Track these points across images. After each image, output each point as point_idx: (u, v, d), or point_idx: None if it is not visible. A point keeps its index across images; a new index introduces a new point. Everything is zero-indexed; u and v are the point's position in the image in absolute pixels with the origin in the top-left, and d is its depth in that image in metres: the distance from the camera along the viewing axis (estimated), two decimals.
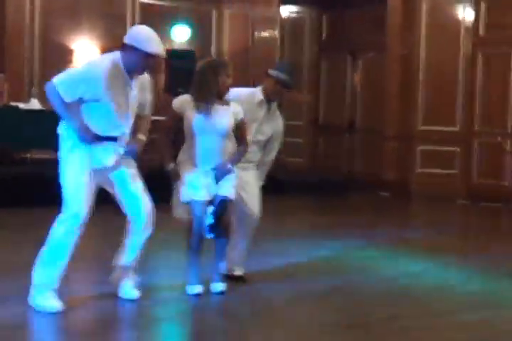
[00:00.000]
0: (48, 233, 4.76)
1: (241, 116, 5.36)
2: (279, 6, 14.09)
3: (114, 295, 5.13)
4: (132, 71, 4.74)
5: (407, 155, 12.70)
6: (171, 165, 5.30)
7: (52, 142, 10.94)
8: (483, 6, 12.33)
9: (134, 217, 4.94)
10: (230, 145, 5.34)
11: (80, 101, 4.67)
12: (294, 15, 14.47)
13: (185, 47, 13.52)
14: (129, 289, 5.08)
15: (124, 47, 4.72)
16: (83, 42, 12.60)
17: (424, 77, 12.74)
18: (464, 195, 12.14)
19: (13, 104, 10.53)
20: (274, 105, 5.90)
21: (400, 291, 5.79)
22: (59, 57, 12.39)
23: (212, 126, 5.21)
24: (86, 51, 12.62)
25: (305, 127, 14.37)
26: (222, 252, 5.44)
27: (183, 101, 5.31)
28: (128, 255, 5.04)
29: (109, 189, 4.96)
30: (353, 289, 5.81)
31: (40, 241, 4.80)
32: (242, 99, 5.56)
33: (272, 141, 5.95)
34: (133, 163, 5.00)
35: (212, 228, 5.26)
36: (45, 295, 4.67)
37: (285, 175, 12.41)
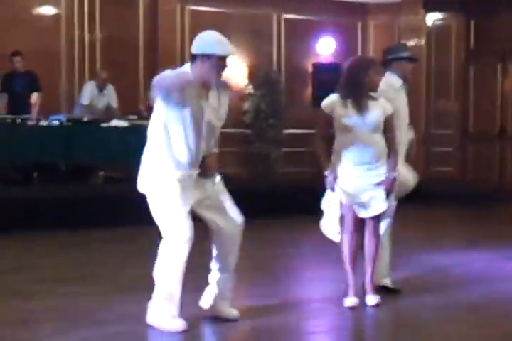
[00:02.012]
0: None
1: (390, 111, 5.35)
2: (424, 14, 13.96)
3: (268, 308, 5.24)
4: (207, 80, 4.56)
5: None
6: (329, 172, 5.29)
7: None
8: None
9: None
10: (382, 141, 5.32)
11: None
12: (440, 22, 14.26)
13: (331, 60, 13.62)
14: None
15: (194, 59, 4.58)
16: (231, 59, 12.90)
17: None
18: None
19: None
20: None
21: None
22: None
23: (364, 122, 5.21)
24: (234, 68, 12.93)
25: (454, 136, 14.12)
26: (373, 264, 5.46)
27: (331, 102, 5.30)
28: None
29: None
30: (506, 299, 5.66)
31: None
32: (384, 89, 5.50)
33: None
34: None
35: None
36: (167, 315, 4.61)
37: (434, 184, 12.27)
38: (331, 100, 5.33)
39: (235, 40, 13.36)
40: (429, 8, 13.88)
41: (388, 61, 5.85)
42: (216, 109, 4.68)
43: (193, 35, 13.57)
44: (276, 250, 7.78)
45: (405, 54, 5.88)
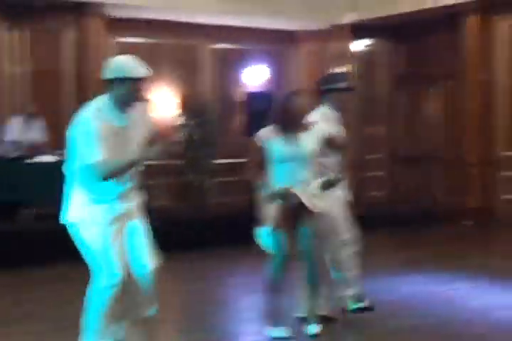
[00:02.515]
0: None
1: (326, 133, 5.39)
2: (352, 40, 14.14)
3: None
4: (125, 103, 4.51)
5: (490, 182, 12.51)
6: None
7: None
8: None
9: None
10: (313, 169, 5.36)
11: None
12: (368, 48, 14.47)
13: (262, 88, 13.67)
14: None
15: (108, 84, 4.52)
16: (162, 91, 12.87)
17: (504, 102, 12.58)
18: None
19: None
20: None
21: (494, 324, 5.62)
22: None
23: (295, 152, 5.26)
24: (165, 99, 12.89)
25: (384, 160, 14.29)
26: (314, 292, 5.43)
27: (265, 132, 5.35)
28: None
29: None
30: (444, 323, 5.70)
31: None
32: (316, 121, 5.53)
33: None
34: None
35: None
36: None
37: (366, 209, 12.35)
38: (265, 131, 5.36)
39: (165, 71, 13.46)
40: (358, 34, 14.05)
41: (324, 91, 5.82)
42: (136, 133, 4.59)
43: None
44: (208, 282, 7.71)
45: (343, 85, 5.82)
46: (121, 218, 4.54)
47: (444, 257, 9.07)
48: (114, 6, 11.84)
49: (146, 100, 5.01)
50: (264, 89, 13.53)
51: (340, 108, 5.84)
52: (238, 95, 13.58)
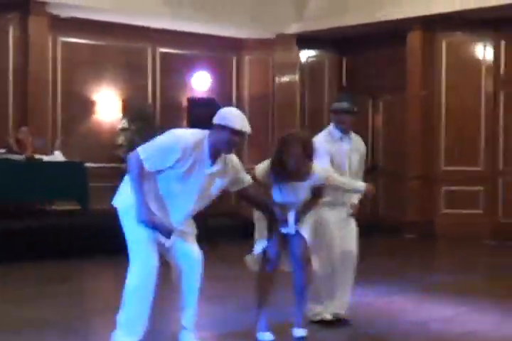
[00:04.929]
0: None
1: (322, 182, 5.32)
2: (298, 51, 14.18)
3: None
4: (218, 150, 4.72)
5: (431, 196, 12.65)
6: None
7: (74, 193, 10.99)
8: (503, 43, 12.42)
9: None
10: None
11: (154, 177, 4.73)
12: (313, 59, 14.52)
13: (206, 94, 13.62)
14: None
15: (212, 128, 4.75)
16: (105, 94, 12.74)
17: (446, 117, 12.75)
18: (489, 235, 12.04)
19: (37, 156, 10.62)
20: (352, 134, 6.00)
21: (432, 337, 5.61)
22: (81, 109, 12.54)
23: (284, 200, 5.23)
24: (108, 102, 12.75)
25: None
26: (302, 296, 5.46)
27: (264, 170, 5.29)
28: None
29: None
30: (383, 335, 5.66)
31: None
32: (323, 142, 5.66)
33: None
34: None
35: None
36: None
37: None
38: (264, 168, 5.30)
39: (108, 74, 13.29)
40: (303, 45, 14.13)
41: (330, 111, 5.90)
42: (217, 179, 4.77)
43: (66, 67, 13.36)
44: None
45: (340, 106, 5.82)
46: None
47: (382, 270, 9.08)
48: (59, 5, 11.68)
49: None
50: (209, 96, 13.48)
51: (342, 128, 5.84)
52: (182, 100, 13.50)
